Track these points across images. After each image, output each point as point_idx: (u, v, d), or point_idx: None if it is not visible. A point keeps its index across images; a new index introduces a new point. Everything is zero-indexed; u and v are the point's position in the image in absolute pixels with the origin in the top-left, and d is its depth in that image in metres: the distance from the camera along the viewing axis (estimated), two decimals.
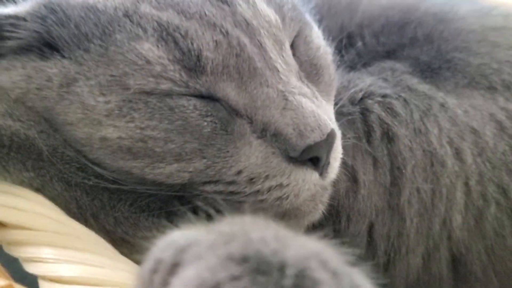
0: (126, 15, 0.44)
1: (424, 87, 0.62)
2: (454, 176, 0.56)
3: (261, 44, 0.45)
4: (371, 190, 0.55)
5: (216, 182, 0.45)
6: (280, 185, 0.45)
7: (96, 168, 0.45)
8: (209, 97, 0.44)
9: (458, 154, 0.57)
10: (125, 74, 0.43)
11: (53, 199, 0.44)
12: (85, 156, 0.45)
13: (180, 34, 0.43)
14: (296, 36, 0.50)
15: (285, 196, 0.46)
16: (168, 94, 0.43)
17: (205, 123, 0.43)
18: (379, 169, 0.56)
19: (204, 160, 0.44)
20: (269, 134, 0.44)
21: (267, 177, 0.45)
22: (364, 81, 0.61)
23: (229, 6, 0.46)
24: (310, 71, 0.50)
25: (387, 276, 0.56)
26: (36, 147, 0.44)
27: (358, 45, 0.69)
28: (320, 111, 0.46)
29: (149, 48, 0.43)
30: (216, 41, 0.44)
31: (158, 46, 0.43)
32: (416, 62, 0.66)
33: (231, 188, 0.45)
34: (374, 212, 0.55)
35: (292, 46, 0.50)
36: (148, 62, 0.43)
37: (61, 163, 0.45)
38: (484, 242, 0.55)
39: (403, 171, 0.56)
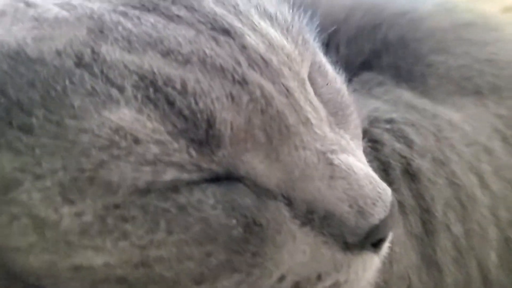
0: (80, 64, 0.28)
1: (421, 102, 0.53)
2: (484, 208, 0.47)
3: (288, 90, 0.32)
4: (405, 246, 0.44)
5: None
6: (336, 284, 0.32)
7: None
8: (228, 178, 0.30)
9: (481, 181, 0.49)
10: (101, 165, 0.27)
11: None
12: None
13: (176, 89, 0.28)
14: (312, 69, 0.37)
15: None
16: (175, 187, 0.28)
17: (234, 221, 0.29)
18: (406, 216, 0.45)
19: (236, 274, 0.29)
20: (317, 217, 0.31)
21: (319, 277, 0.32)
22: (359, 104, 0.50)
23: (234, 38, 0.31)
24: (336, 112, 0.37)
25: None
26: None
27: (333, 57, 0.57)
28: (371, 172, 0.33)
29: (133, 118, 0.27)
30: (231, 94, 0.29)
31: (146, 113, 0.27)
32: (398, 71, 0.57)
33: None
34: (411, 271, 0.45)
35: (310, 82, 0.36)
36: (136, 141, 0.27)
37: None
38: None
39: (433, 213, 0.46)
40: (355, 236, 0.31)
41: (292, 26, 0.36)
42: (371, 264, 0.33)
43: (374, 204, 0.31)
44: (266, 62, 0.31)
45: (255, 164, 0.30)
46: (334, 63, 0.54)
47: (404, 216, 0.45)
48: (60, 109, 0.27)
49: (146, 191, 0.27)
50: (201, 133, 0.28)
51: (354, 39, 0.59)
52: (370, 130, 0.48)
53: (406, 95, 0.54)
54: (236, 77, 0.29)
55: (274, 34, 0.33)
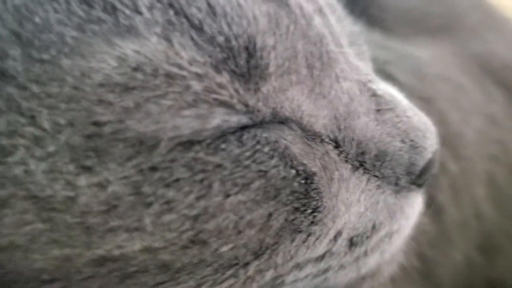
0: None
1: (390, 42, 0.51)
2: (471, 144, 0.47)
3: (322, 12, 0.26)
4: None
5: (303, 264, 0.25)
6: (389, 235, 0.28)
7: None
8: (273, 121, 0.24)
9: (463, 117, 0.48)
10: (126, 114, 0.20)
11: None
12: None
13: (200, 9, 0.22)
14: None
15: (388, 247, 0.29)
16: (223, 135, 0.21)
17: (294, 172, 0.23)
18: None
19: (297, 239, 0.24)
20: (369, 158, 0.26)
21: (373, 229, 0.27)
22: None
23: None
24: (352, 42, 0.32)
25: None
26: None
27: None
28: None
29: (159, 47, 0.20)
30: (269, 14, 0.23)
31: (175, 41, 0.21)
32: (359, 14, 0.54)
33: (321, 266, 0.26)
34: None
35: None
36: (170, 76, 0.20)
37: None
38: None
39: None
40: (409, 175, 0.27)
41: None
42: (418, 206, 0.30)
43: (424, 136, 0.27)
44: None
45: (301, 101, 0.25)
46: None
47: None
48: (48, 45, 0.19)
49: (190, 143, 0.20)
50: (242, 63, 0.22)
51: None
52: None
53: (377, 36, 0.51)
54: None
55: None
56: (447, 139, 0.45)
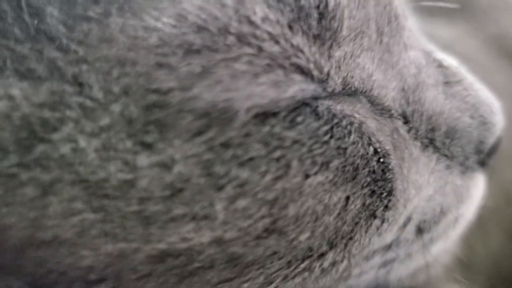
0: None
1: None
2: None
3: None
4: None
5: (370, 255, 0.23)
6: (456, 220, 0.26)
7: None
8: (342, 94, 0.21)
9: None
10: (193, 80, 0.17)
11: None
12: None
13: None
14: None
15: (454, 232, 0.27)
16: (300, 106, 0.18)
17: (372, 150, 0.20)
18: None
19: (373, 225, 0.21)
20: (439, 136, 0.24)
21: (442, 213, 0.25)
22: None
23: None
24: None
25: None
26: None
27: None
28: None
29: (228, 3, 0.17)
30: None
31: None
32: None
33: (388, 255, 0.24)
34: None
35: None
36: (241, 36, 0.17)
37: None
38: None
39: None
40: (477, 154, 0.25)
41: None
42: (482, 186, 0.27)
43: (492, 112, 0.25)
44: None
45: (372, 70, 0.22)
46: None
47: None
48: (95, 1, 0.16)
49: (265, 116, 0.17)
50: (314, 24, 0.19)
51: None
52: None
53: None
54: None
55: None
56: None
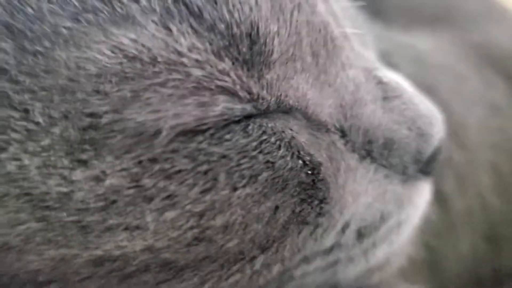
0: None
1: (390, 33, 0.50)
2: (473, 134, 0.46)
3: (328, 2, 0.26)
4: None
5: (311, 258, 0.25)
6: (398, 224, 0.27)
7: None
8: (277, 111, 0.23)
9: (465, 106, 0.47)
10: (124, 104, 0.19)
11: None
12: None
13: None
14: None
15: (397, 237, 0.28)
16: (227, 124, 0.20)
17: (301, 162, 0.22)
18: None
19: (304, 230, 0.23)
20: (376, 147, 0.26)
21: (382, 219, 0.26)
22: None
23: None
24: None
25: None
26: None
27: None
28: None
29: (158, 35, 0.19)
30: (271, 3, 0.22)
31: (173, 29, 0.20)
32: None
33: (331, 258, 0.26)
34: None
35: None
36: (170, 64, 0.19)
37: None
38: None
39: None
40: (416, 163, 0.27)
41: None
42: (426, 195, 0.29)
43: (431, 123, 0.27)
44: None
45: (306, 89, 0.24)
46: None
47: None
48: (41, 37, 0.19)
49: (193, 133, 0.20)
50: (245, 50, 0.21)
51: None
52: None
53: (378, 27, 0.51)
54: None
55: None
56: (451, 129, 0.44)
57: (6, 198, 0.18)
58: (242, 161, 0.20)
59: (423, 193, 0.28)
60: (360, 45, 0.28)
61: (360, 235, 0.26)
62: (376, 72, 0.27)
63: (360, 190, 0.25)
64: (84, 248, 0.19)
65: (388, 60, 0.43)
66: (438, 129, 0.27)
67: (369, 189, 0.25)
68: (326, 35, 0.24)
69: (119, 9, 0.19)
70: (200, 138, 0.20)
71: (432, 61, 0.48)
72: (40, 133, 0.18)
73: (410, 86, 0.28)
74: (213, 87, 0.20)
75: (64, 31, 0.19)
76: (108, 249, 0.19)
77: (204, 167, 0.20)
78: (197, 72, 0.19)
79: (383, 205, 0.26)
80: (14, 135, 0.18)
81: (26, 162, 0.18)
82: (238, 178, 0.20)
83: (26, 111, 0.18)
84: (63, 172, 0.18)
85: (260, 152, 0.21)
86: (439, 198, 0.42)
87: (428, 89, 0.43)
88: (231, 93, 0.20)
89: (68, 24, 0.19)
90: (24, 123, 0.18)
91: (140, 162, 0.19)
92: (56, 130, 0.18)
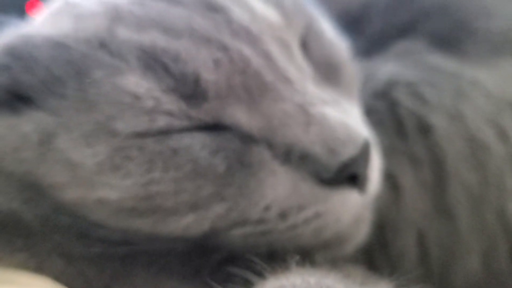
0: (102, 45, 0.37)
1: (447, 64, 0.56)
2: (500, 160, 0.49)
3: (266, 54, 0.38)
4: (415, 194, 0.48)
5: (242, 223, 0.38)
6: (317, 214, 0.38)
7: (100, 230, 0.38)
8: (216, 127, 0.37)
9: (500, 134, 0.51)
10: (112, 117, 0.35)
11: (56, 277, 0.37)
12: (85, 218, 0.37)
13: (170, 58, 0.36)
14: (305, 34, 0.43)
15: (324, 225, 0.39)
16: (168, 132, 0.36)
17: (218, 161, 0.36)
18: (418, 167, 0.49)
19: (225, 203, 0.37)
20: (295, 157, 0.37)
21: (300, 207, 0.38)
22: (383, 71, 0.54)
23: (221, 14, 0.38)
24: (327, 71, 0.43)
25: (446, 285, 0.49)
26: (24, 220, 0.37)
27: (367, 30, 0.61)
28: (349, 119, 0.39)
29: (135, 82, 0.35)
30: (214, 59, 0.36)
31: (146, 77, 0.36)
32: (432, 37, 0.59)
33: (261, 227, 0.38)
34: (421, 218, 0.48)
35: (304, 45, 0.42)
36: (136, 98, 0.35)
37: (57, 233, 0.38)
38: None
39: (444, 165, 0.49)
40: (327, 172, 0.37)
41: (284, 1, 0.42)
42: (349, 198, 0.39)
43: (343, 144, 0.37)
44: (247, 31, 0.38)
45: (239, 116, 0.37)
46: (362, 34, 0.59)
47: (415, 168, 0.49)
48: (85, 80, 0.36)
49: (144, 135, 0.35)
50: (189, 90, 0.36)
51: (388, 10, 0.63)
52: (389, 92, 0.52)
53: (435, 60, 0.56)
54: (219, 45, 0.37)
55: (260, 7, 0.40)
56: (469, 153, 0.49)
57: (60, 159, 0.37)
58: (173, 156, 0.35)
59: (344, 197, 0.38)
60: (312, 84, 0.40)
61: (283, 215, 0.38)
62: (308, 106, 0.38)
63: (278, 184, 0.37)
64: (92, 191, 0.35)
65: (412, 89, 0.51)
66: (349, 149, 0.37)
67: (287, 185, 0.37)
68: (258, 80, 0.37)
69: (122, 66, 0.36)
70: (148, 139, 0.35)
71: (475, 93, 0.52)
72: (73, 129, 0.36)
73: (339, 117, 0.38)
74: (159, 111, 0.35)
75: (96, 78, 0.36)
76: (102, 195, 0.35)
77: (148, 157, 0.35)
78: (150, 103, 0.35)
79: (300, 197, 0.37)
80: (63, 130, 0.37)
81: (67, 143, 0.36)
82: (169, 165, 0.35)
83: (70, 119, 0.36)
84: (81, 149, 0.35)
85: (187, 152, 0.35)
86: (445, 216, 0.49)
87: (455, 118, 0.50)
88: (173, 115, 0.35)
89: (99, 75, 0.36)
90: (68, 124, 0.36)
91: (115, 148, 0.35)
92: (81, 128, 0.35)
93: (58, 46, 0.38)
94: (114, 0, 0.40)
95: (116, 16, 0.38)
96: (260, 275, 0.34)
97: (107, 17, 0.38)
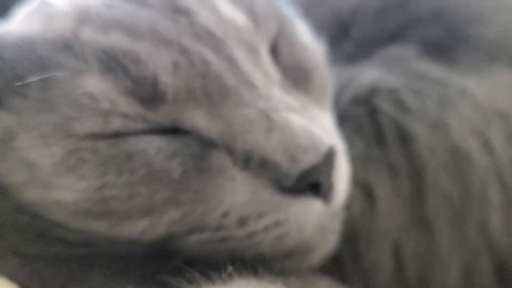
0: (66, 47, 0.36)
1: (435, 72, 0.54)
2: (484, 172, 0.48)
3: (230, 57, 0.37)
4: (391, 204, 0.47)
5: (200, 229, 0.37)
6: (277, 222, 0.37)
7: (59, 230, 0.37)
8: (174, 131, 0.36)
9: (485, 145, 0.49)
10: (69, 118, 0.35)
11: (11, 276, 0.37)
12: (44, 218, 0.37)
13: (130, 60, 0.36)
14: (277, 37, 0.42)
15: (285, 233, 0.38)
16: (122, 134, 0.35)
17: (174, 166, 0.35)
18: (396, 177, 0.48)
19: (180, 208, 0.36)
20: (255, 164, 0.37)
21: (259, 215, 0.37)
22: (366, 76, 0.53)
23: (186, 17, 0.38)
24: (298, 77, 0.42)
25: None
26: None
27: (354, 34, 0.60)
28: (313, 126, 0.38)
29: (93, 83, 0.35)
30: (174, 62, 0.36)
31: (104, 79, 0.35)
32: (423, 44, 0.58)
33: (219, 234, 0.37)
34: (397, 229, 0.47)
35: (274, 49, 0.41)
36: (94, 99, 0.35)
37: (14, 233, 0.38)
38: None
39: (424, 175, 0.48)
40: (287, 180, 0.36)
41: (256, 4, 0.41)
42: (312, 208, 0.38)
43: (305, 152, 0.36)
44: (211, 35, 0.37)
45: (198, 120, 0.37)
46: (350, 39, 0.58)
47: (393, 177, 0.48)
48: (48, 81, 0.36)
49: (98, 137, 0.35)
50: (147, 92, 0.35)
51: (379, 15, 0.62)
52: (370, 99, 0.51)
53: (423, 67, 0.55)
54: (180, 48, 0.36)
55: (228, 10, 0.39)
56: (450, 164, 0.48)
57: (18, 159, 0.37)
58: (127, 160, 0.35)
59: (306, 205, 0.37)
60: (279, 90, 0.39)
61: (242, 222, 0.37)
62: (271, 112, 0.37)
63: (237, 191, 0.37)
64: (49, 193, 0.35)
65: (394, 96, 0.50)
66: (311, 157, 0.36)
67: (246, 191, 0.37)
68: (219, 84, 0.36)
69: (83, 67, 0.36)
70: (103, 141, 0.35)
71: (461, 103, 0.51)
72: (33, 129, 0.36)
73: (302, 124, 0.37)
74: (114, 112, 0.35)
75: (59, 78, 0.36)
76: (58, 196, 0.35)
77: (102, 160, 0.35)
78: (106, 104, 0.35)
79: (259, 204, 0.37)
80: (23, 129, 0.37)
81: (26, 143, 0.37)
82: (123, 169, 0.35)
83: (31, 119, 0.36)
84: (39, 149, 0.35)
85: (142, 156, 0.35)
86: (423, 227, 0.47)
87: (438, 128, 0.48)
88: (128, 117, 0.35)
89: (61, 75, 0.36)
90: (28, 123, 0.36)
91: (70, 149, 0.35)
92: (40, 128, 0.35)
93: (25, 46, 0.38)
94: (85, 1, 0.40)
95: (83, 17, 0.38)
96: (194, 283, 0.33)
97: (75, 18, 0.38)
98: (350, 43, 0.58)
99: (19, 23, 0.43)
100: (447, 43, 0.57)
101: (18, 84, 0.37)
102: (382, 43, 0.59)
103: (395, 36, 0.59)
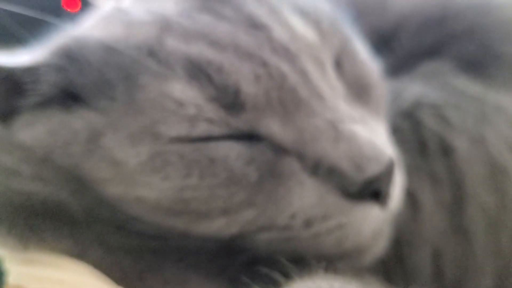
0: (151, 53, 0.39)
1: (472, 88, 0.57)
2: None
3: (303, 71, 0.41)
4: (432, 212, 0.50)
5: (269, 229, 0.40)
6: (340, 225, 0.41)
7: (137, 224, 0.41)
8: (251, 137, 0.40)
9: None
10: (156, 121, 0.38)
11: (95, 265, 0.40)
12: (123, 212, 0.40)
13: (214, 69, 0.39)
14: (340, 53, 0.45)
15: (345, 236, 0.41)
16: (206, 139, 0.38)
17: (252, 171, 0.39)
18: (438, 187, 0.51)
19: (254, 209, 0.39)
20: (322, 171, 0.40)
21: (324, 217, 0.40)
22: (410, 91, 0.56)
23: (263, 31, 0.41)
24: (358, 91, 0.45)
25: None
26: (71, 210, 0.40)
27: (396, 49, 0.63)
28: (376, 138, 0.41)
29: (180, 89, 0.38)
30: (255, 73, 0.39)
31: (190, 86, 0.38)
32: (459, 60, 0.61)
33: (286, 233, 0.41)
34: (437, 235, 0.50)
35: (338, 64, 0.45)
36: (180, 104, 0.38)
37: (99, 224, 0.41)
38: None
39: (463, 186, 0.51)
40: (352, 186, 0.39)
41: (322, 20, 0.45)
42: (371, 213, 0.41)
43: (369, 161, 0.39)
44: (286, 49, 0.41)
45: (273, 127, 0.40)
46: (391, 53, 0.61)
47: (435, 187, 0.51)
48: (134, 85, 0.39)
49: (184, 140, 0.38)
50: (229, 100, 0.39)
51: (418, 31, 0.65)
52: (414, 113, 0.54)
53: (460, 83, 0.58)
54: (260, 61, 0.39)
55: (299, 26, 0.42)
56: (488, 177, 0.51)
57: (105, 157, 0.40)
58: (209, 164, 0.38)
59: (366, 211, 0.41)
60: (343, 102, 0.42)
61: (308, 224, 0.40)
62: (338, 123, 0.40)
63: (305, 194, 0.40)
64: (133, 189, 0.38)
65: (436, 111, 0.53)
66: (374, 166, 0.39)
67: (313, 195, 0.40)
68: (293, 96, 0.40)
69: (168, 74, 0.39)
70: (187, 145, 0.38)
71: (498, 119, 0.54)
72: (120, 129, 0.39)
73: (367, 135, 0.40)
74: (200, 118, 0.38)
75: (143, 84, 0.39)
76: (141, 194, 0.38)
77: (187, 163, 0.38)
78: (193, 110, 0.38)
79: (325, 207, 0.40)
80: (110, 130, 0.40)
81: (113, 142, 0.39)
82: (205, 173, 0.38)
83: (118, 120, 0.39)
84: (126, 149, 0.38)
85: (223, 161, 0.38)
86: (461, 235, 0.51)
87: (477, 142, 0.51)
88: (212, 122, 0.38)
89: (145, 81, 0.39)
90: (116, 124, 0.39)
91: (156, 151, 0.38)
92: (128, 129, 0.38)
93: (110, 50, 0.41)
94: (162, 11, 0.43)
95: (165, 26, 0.41)
96: (287, 276, 0.36)
97: (157, 27, 0.41)
98: (393, 58, 0.61)
99: (94, 27, 0.45)
100: (480, 60, 0.60)
101: (105, 86, 0.40)
102: (421, 58, 0.62)
103: (433, 52, 0.63)
